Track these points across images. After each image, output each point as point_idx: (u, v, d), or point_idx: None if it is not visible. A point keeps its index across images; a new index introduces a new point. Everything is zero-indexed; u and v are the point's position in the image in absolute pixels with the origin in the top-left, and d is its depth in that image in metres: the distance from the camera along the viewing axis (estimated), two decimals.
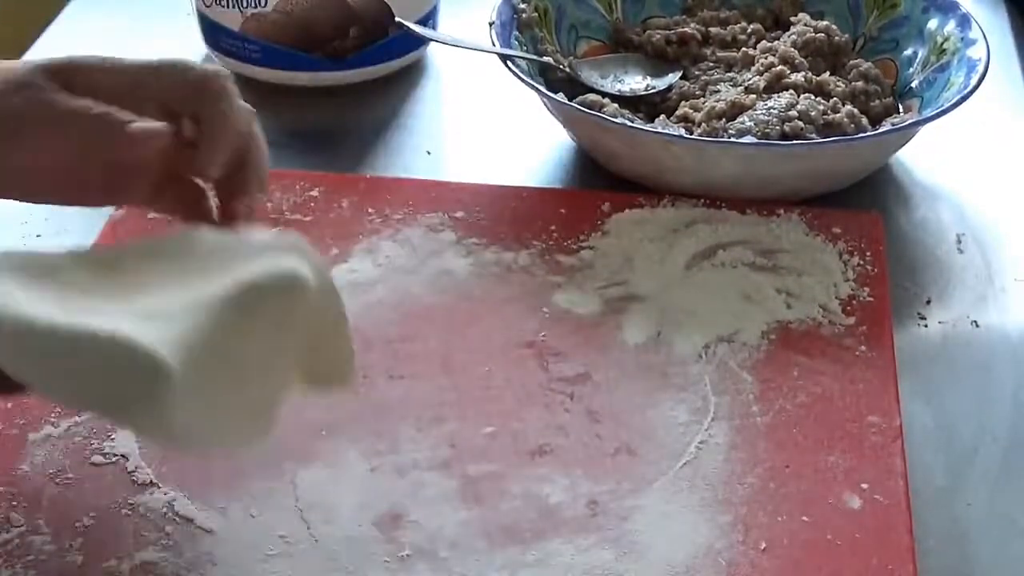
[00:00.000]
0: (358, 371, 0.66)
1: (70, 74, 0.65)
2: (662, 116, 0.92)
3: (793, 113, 0.88)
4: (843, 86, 0.93)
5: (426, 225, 0.86)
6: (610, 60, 0.99)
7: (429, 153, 0.97)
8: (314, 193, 0.88)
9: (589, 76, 0.97)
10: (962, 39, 0.93)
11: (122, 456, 0.69)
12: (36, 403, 0.72)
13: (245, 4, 0.99)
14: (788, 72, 0.92)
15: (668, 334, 0.77)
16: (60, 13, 1.13)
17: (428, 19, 1.03)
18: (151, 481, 0.68)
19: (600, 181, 0.91)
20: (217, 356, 0.57)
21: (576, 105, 0.89)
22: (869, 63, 0.96)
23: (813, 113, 0.88)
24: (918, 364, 0.78)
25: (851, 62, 0.96)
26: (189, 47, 1.07)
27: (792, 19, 0.99)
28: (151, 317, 0.57)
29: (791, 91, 0.91)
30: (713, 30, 1.00)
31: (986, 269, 0.85)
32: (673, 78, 0.97)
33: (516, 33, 0.95)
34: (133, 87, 0.65)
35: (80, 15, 1.14)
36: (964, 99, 0.86)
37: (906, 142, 0.90)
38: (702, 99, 0.93)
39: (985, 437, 0.73)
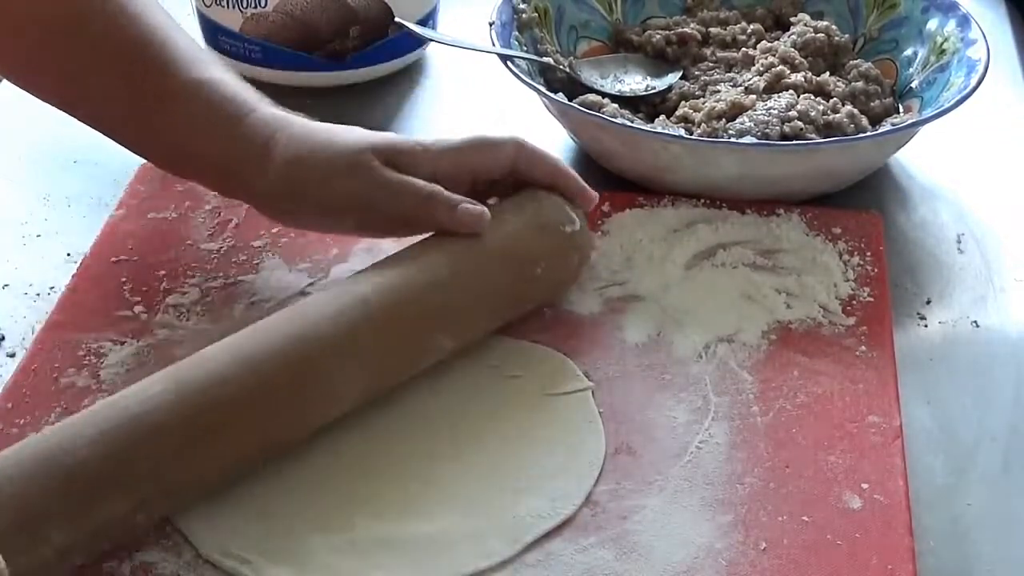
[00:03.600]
0: None
1: (393, 155, 0.75)
2: (662, 116, 0.92)
3: (793, 113, 0.88)
4: (843, 86, 0.93)
5: None
6: (610, 60, 0.99)
7: None
8: None
9: (589, 76, 0.97)
10: (962, 39, 0.93)
11: None
12: (36, 403, 0.72)
13: (245, 4, 0.99)
14: (788, 72, 0.92)
15: (668, 334, 0.77)
16: None
17: (428, 19, 1.03)
18: None
19: (600, 181, 0.91)
20: None
21: (576, 105, 0.89)
22: (869, 63, 0.96)
23: (813, 113, 0.88)
24: (918, 364, 0.78)
25: (851, 62, 0.96)
26: None
27: (792, 19, 0.99)
28: None
29: (791, 91, 0.91)
30: (713, 30, 1.00)
31: (986, 269, 0.85)
32: (673, 78, 0.97)
33: (516, 33, 0.95)
34: (454, 167, 0.76)
35: None
36: (964, 99, 0.86)
37: (906, 142, 0.90)
38: (702, 99, 0.93)
39: (985, 437, 0.73)
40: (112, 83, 0.77)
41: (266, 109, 0.77)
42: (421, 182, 0.74)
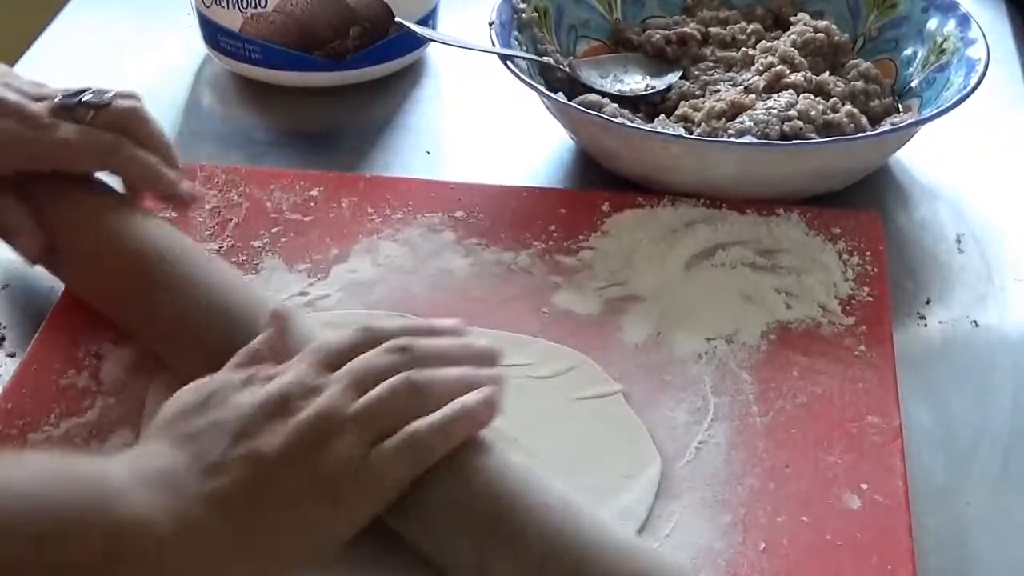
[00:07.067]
0: None
1: None
2: (662, 116, 0.92)
3: (793, 113, 0.88)
4: (843, 86, 0.93)
5: (426, 225, 0.86)
6: (610, 60, 0.99)
7: (429, 153, 0.97)
8: (314, 193, 0.88)
9: (589, 76, 0.97)
10: (962, 39, 0.93)
11: None
12: (36, 403, 0.72)
13: (245, 4, 0.99)
14: (788, 72, 0.92)
15: (668, 334, 0.77)
16: (60, 13, 1.13)
17: (428, 19, 1.03)
18: None
19: (600, 181, 0.91)
20: None
21: (576, 105, 0.89)
22: (869, 63, 0.96)
23: (813, 113, 0.88)
24: (918, 364, 0.78)
25: (851, 62, 0.96)
26: (189, 47, 1.07)
27: (792, 19, 0.99)
28: None
29: (791, 91, 0.91)
30: (713, 30, 1.00)
31: (986, 269, 0.85)
32: (673, 78, 0.97)
33: (516, 33, 0.95)
34: None
35: (80, 15, 1.14)
36: (964, 99, 0.86)
37: (906, 142, 0.90)
38: (702, 99, 0.93)
39: (985, 437, 0.73)
40: None
41: None
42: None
